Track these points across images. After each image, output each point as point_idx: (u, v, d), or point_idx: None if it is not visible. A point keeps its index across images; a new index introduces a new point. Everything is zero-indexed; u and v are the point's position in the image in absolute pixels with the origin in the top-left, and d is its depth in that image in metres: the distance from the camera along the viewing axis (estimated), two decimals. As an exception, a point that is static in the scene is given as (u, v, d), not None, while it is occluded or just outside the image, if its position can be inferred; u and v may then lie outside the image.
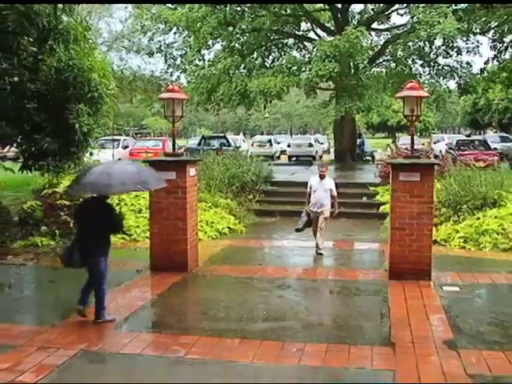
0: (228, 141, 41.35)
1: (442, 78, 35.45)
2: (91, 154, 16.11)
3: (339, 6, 35.16)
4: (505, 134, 48.97)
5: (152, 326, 9.77)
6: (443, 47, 33.85)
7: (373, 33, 37.62)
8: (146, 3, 37.94)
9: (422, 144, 33.23)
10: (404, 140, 40.41)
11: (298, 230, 15.21)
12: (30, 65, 12.89)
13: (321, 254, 14.73)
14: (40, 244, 15.26)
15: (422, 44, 32.84)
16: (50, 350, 8.20)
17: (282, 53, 38.39)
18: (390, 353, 8.17)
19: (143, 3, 38.09)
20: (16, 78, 12.88)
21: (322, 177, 14.95)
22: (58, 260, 10.56)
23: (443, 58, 34.90)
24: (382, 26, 38.65)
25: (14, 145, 14.80)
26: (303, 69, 33.71)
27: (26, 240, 15.36)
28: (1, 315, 10.07)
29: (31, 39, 12.42)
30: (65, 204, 16.54)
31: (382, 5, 35.71)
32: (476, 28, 32.95)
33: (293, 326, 9.48)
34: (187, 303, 11.08)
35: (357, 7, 37.32)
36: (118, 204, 16.26)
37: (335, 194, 15.01)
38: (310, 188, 15.07)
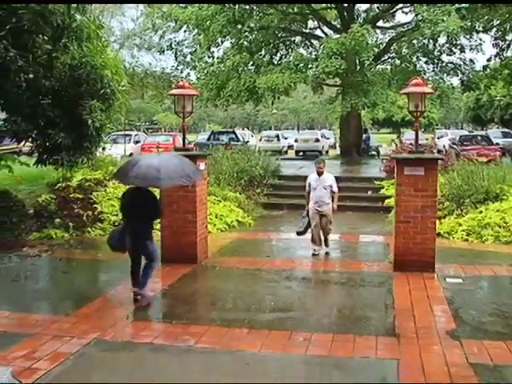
0: (237, 136, 41.38)
1: (445, 74, 35.63)
2: (104, 148, 16.30)
3: (345, 4, 35.26)
4: (507, 130, 48.78)
5: (163, 316, 9.94)
6: (447, 45, 34.15)
7: (378, 31, 37.71)
8: (154, 3, 38.16)
9: (426, 139, 33.24)
10: (408, 135, 40.42)
11: (299, 234, 14.43)
12: (45, 62, 13.03)
13: (327, 253, 14.32)
14: (54, 236, 15.55)
15: (426, 42, 33.04)
16: (65, 338, 8.33)
17: (290, 50, 38.46)
18: (394, 343, 8.28)
19: (152, 3, 38.33)
20: (31, 75, 13.04)
21: (319, 173, 14.12)
22: (105, 247, 11.11)
23: (447, 55, 35.18)
24: (387, 24, 38.81)
25: (29, 140, 14.99)
26: (310, 66, 33.89)
27: (41, 232, 15.66)
28: (17, 305, 10.29)
29: (46, 37, 12.57)
30: (78, 197, 16.85)
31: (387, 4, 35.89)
32: (479, 26, 33.10)
33: (300, 316, 9.61)
34: (197, 294, 11.18)
35: (362, 6, 37.37)
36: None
37: (336, 189, 14.18)
38: (309, 186, 14.21)
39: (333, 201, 14.19)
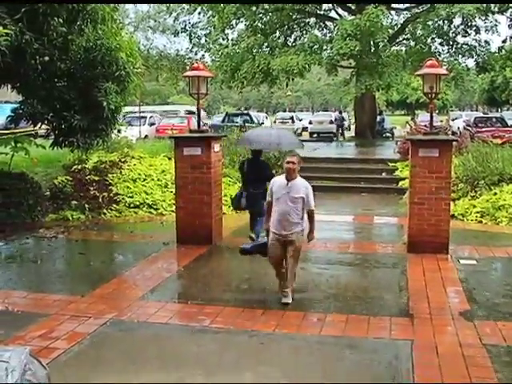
0: (251, 118, 41.39)
1: (460, 56, 35.54)
2: (119, 130, 16.40)
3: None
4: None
5: (178, 297, 10.01)
6: (462, 26, 34.04)
7: (393, 12, 37.65)
8: (158, 3, 38.24)
9: (441, 121, 33.19)
10: (423, 117, 40.33)
11: (243, 252, 10.40)
12: (60, 45, 13.01)
13: (286, 303, 9.07)
14: (70, 218, 15.63)
15: (441, 23, 32.98)
16: (82, 318, 8.39)
17: (304, 32, 38.54)
18: (408, 323, 8.32)
19: (156, 3, 38.43)
20: (47, 58, 13.03)
21: (289, 175, 9.07)
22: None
23: (462, 36, 35.08)
24: (401, 6, 38.59)
25: (45, 122, 15.05)
26: (325, 47, 33.94)
27: (57, 214, 15.77)
28: (34, 285, 10.38)
29: (61, 20, 12.52)
30: (93, 179, 17.00)
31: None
32: (494, 7, 32.86)
33: (314, 297, 9.66)
34: (212, 275, 11.22)
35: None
36: (144, 179, 16.74)
37: (313, 206, 9.18)
38: (271, 194, 9.28)
39: (310, 220, 9.33)
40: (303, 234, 9.27)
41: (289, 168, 9.06)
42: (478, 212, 15.85)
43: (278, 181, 9.39)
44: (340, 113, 47.35)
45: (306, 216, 9.22)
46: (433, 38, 34.86)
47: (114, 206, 16.56)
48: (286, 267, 9.26)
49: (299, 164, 9.14)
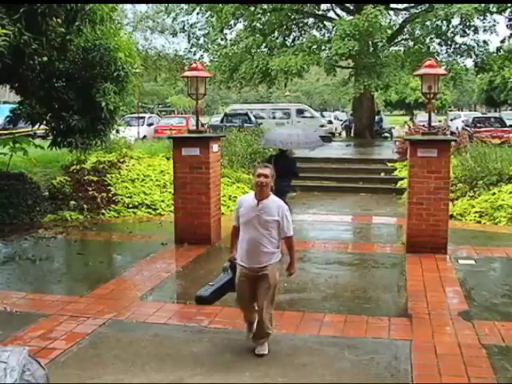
0: (250, 118, 41.42)
1: (459, 56, 35.62)
2: (117, 131, 16.38)
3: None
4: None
5: (177, 297, 10.01)
6: (460, 26, 34.10)
7: (391, 12, 37.67)
8: (157, 3, 38.27)
9: (439, 121, 33.27)
10: (421, 117, 40.42)
11: (199, 301, 7.68)
12: (59, 45, 13.00)
13: (262, 355, 7.21)
14: (69, 218, 15.62)
15: (439, 23, 32.95)
16: (80, 318, 8.39)
17: (303, 32, 38.61)
18: (406, 323, 8.32)
19: (155, 3, 38.47)
20: (45, 58, 13.01)
21: (260, 193, 7.24)
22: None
23: (460, 36, 35.15)
24: (400, 6, 38.63)
25: (44, 122, 15.05)
26: (323, 47, 33.97)
27: (56, 214, 15.75)
28: (33, 286, 10.36)
29: (59, 20, 12.52)
30: (92, 180, 17.01)
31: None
32: (493, 7, 32.86)
33: (313, 297, 9.67)
34: (210, 275, 10.89)
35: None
36: (143, 180, 16.78)
37: (291, 231, 7.29)
38: (237, 217, 7.43)
39: (290, 250, 7.42)
40: (280, 266, 7.37)
41: (260, 183, 7.14)
42: (476, 212, 15.84)
43: (245, 200, 7.48)
44: (350, 115, 47.78)
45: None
46: (431, 38, 34.88)
47: (113, 206, 16.56)
48: (259, 309, 7.25)
49: (273, 178, 7.27)
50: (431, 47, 35.37)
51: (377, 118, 41.74)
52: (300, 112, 42.47)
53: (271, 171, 7.24)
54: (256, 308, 7.35)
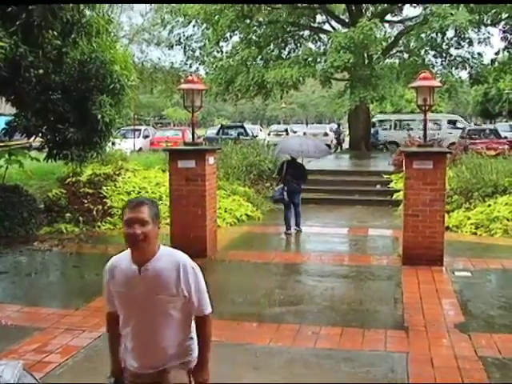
0: (246, 130, 41.40)
1: (453, 68, 35.83)
2: (113, 143, 16.37)
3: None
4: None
5: (173, 309, 10.03)
6: (455, 38, 34.24)
7: (386, 24, 38.01)
8: (158, 3, 38.38)
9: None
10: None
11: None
12: (55, 57, 13.02)
13: None
14: (65, 230, 15.58)
15: (434, 35, 33.02)
16: (75, 332, 8.37)
17: (298, 44, 38.74)
18: (403, 336, 8.30)
19: (156, 3, 38.58)
20: (41, 71, 13.02)
21: (138, 252, 4.26)
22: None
23: (455, 48, 35.30)
24: (395, 18, 38.93)
25: (40, 135, 15.05)
26: (319, 60, 34.14)
27: (52, 227, 15.71)
28: (28, 299, 10.32)
29: (55, 33, 12.52)
30: (88, 192, 16.92)
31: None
32: (487, 19, 33.05)
33: (309, 309, 9.63)
34: (206, 288, 11.20)
35: (370, -1, 37.59)
36: (139, 192, 16.73)
37: (208, 308, 4.52)
38: (110, 294, 4.46)
39: (202, 338, 4.57)
40: (190, 366, 4.47)
41: (133, 235, 4.20)
42: (472, 224, 15.84)
43: (117, 266, 4.46)
44: (338, 126, 47.79)
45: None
46: (426, 51, 34.99)
47: (109, 218, 16.50)
48: None
49: (156, 221, 4.32)
50: (426, 59, 35.48)
51: (372, 130, 41.82)
52: (452, 123, 42.37)
53: (150, 209, 4.29)
54: None
